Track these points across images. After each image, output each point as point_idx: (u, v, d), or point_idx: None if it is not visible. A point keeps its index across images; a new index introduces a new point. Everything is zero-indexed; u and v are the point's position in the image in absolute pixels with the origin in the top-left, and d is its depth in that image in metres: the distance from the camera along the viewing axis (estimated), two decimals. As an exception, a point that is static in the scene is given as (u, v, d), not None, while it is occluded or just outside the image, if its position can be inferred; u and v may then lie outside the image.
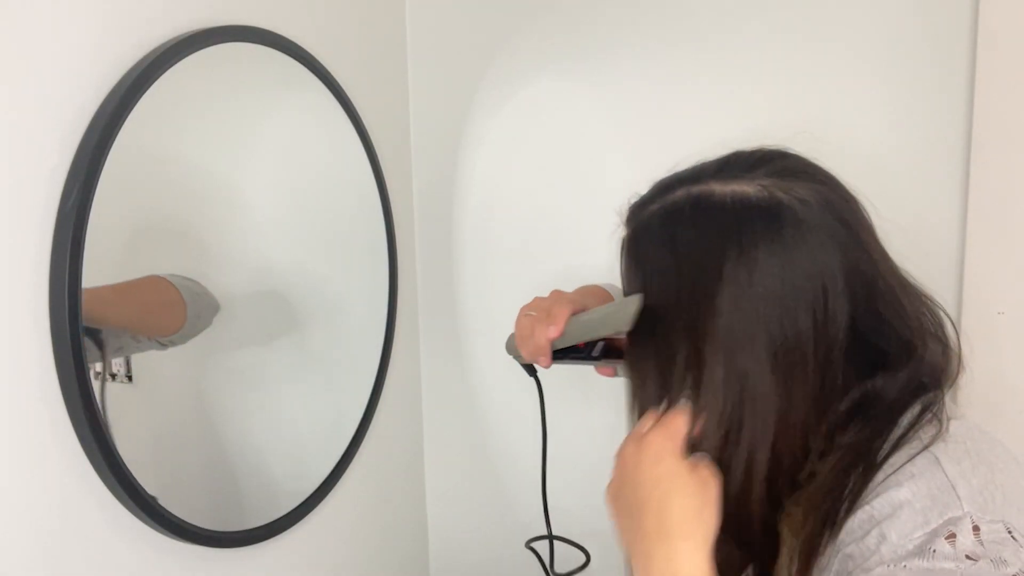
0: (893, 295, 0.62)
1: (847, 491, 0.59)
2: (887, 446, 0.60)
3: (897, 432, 0.60)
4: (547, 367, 0.79)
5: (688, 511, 0.58)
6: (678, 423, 0.61)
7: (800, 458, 0.62)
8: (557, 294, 0.82)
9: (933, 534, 0.54)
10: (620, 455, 0.64)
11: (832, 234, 0.59)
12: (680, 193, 0.63)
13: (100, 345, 0.76)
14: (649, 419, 0.64)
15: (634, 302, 0.65)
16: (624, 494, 0.62)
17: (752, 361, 0.59)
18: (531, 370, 0.89)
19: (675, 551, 0.57)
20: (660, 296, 0.63)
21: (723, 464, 0.62)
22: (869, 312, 0.61)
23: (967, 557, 0.52)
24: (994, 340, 0.98)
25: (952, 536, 0.53)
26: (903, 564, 0.54)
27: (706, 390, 0.61)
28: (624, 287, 0.69)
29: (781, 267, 0.58)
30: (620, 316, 0.66)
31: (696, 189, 0.62)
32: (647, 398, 0.65)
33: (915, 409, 0.62)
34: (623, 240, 0.67)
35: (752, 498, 0.62)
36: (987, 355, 0.99)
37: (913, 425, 0.61)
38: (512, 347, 0.86)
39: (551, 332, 0.75)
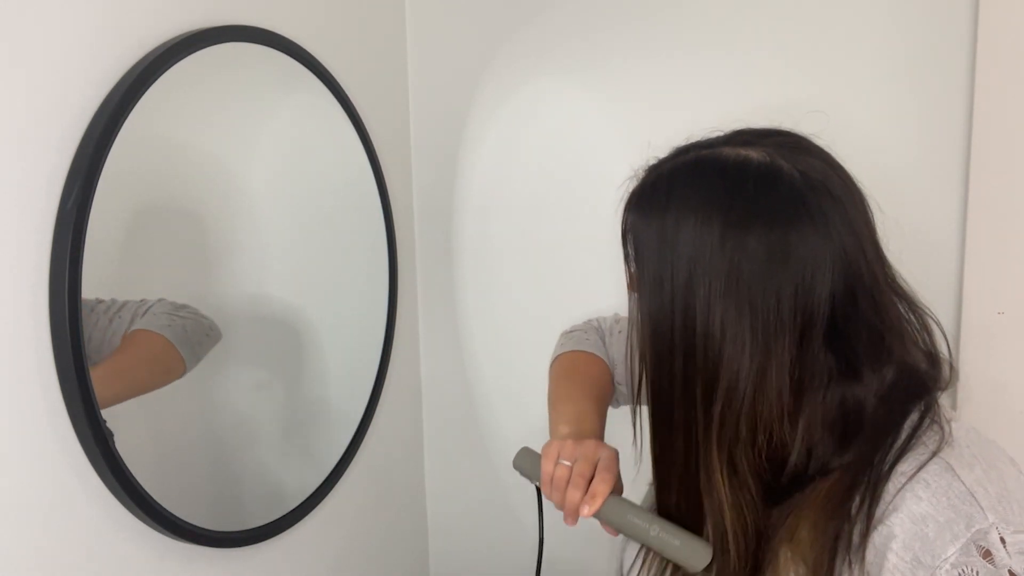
0: (877, 286, 0.62)
1: (856, 509, 0.60)
2: (891, 456, 0.60)
3: (900, 440, 0.61)
4: (570, 526, 0.75)
5: None
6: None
7: (774, 435, 0.62)
8: (593, 449, 0.75)
9: (966, 551, 0.55)
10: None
11: (824, 210, 0.60)
12: (691, 155, 0.66)
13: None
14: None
15: (706, 554, 0.65)
16: None
17: (733, 312, 0.60)
18: (539, 488, 0.80)
19: None
20: (654, 245, 0.64)
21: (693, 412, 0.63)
22: (847, 297, 0.61)
23: (1011, 573, 0.54)
24: (994, 340, 0.98)
25: (988, 554, 0.54)
26: None
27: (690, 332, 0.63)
28: (623, 236, 0.69)
29: (768, 229, 0.59)
30: (685, 557, 0.66)
31: (705, 152, 0.65)
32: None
33: (914, 416, 0.62)
34: (631, 193, 0.68)
35: (724, 450, 0.63)
36: (987, 355, 0.99)
37: (915, 432, 0.61)
38: (525, 467, 0.80)
39: (584, 510, 0.71)
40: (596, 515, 0.72)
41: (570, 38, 1.19)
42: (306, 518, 1.04)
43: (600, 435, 0.84)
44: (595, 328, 1.02)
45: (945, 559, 0.55)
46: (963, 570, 0.54)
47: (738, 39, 1.09)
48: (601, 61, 1.17)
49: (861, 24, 1.03)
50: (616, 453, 0.76)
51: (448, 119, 1.29)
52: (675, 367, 0.64)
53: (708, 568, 0.66)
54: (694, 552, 0.66)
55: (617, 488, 0.74)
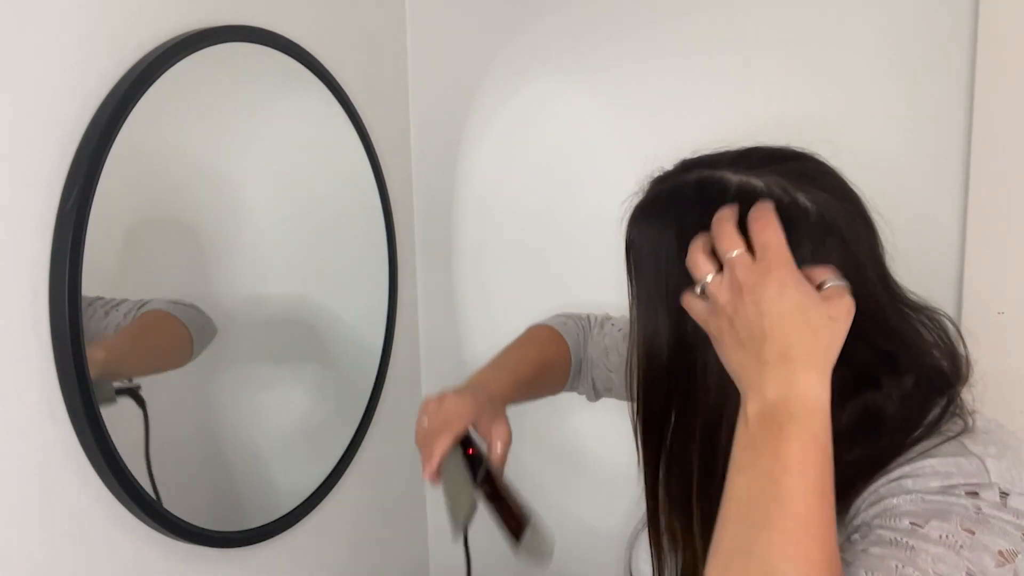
0: (881, 311, 0.61)
1: (858, 486, 0.59)
2: (909, 442, 0.60)
3: (920, 430, 0.60)
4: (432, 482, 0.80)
5: (816, 346, 0.54)
6: (783, 250, 0.56)
7: None
8: (451, 407, 0.82)
9: (950, 491, 0.54)
10: (734, 282, 0.57)
11: (823, 244, 0.59)
12: (694, 174, 0.64)
13: (142, 403, 0.77)
14: (738, 245, 0.57)
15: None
16: (740, 324, 0.56)
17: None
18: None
19: (796, 377, 0.54)
20: (650, 265, 0.64)
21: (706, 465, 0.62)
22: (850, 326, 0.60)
23: (978, 508, 0.53)
24: (994, 340, 0.98)
25: (975, 494, 0.53)
26: (921, 496, 0.54)
27: (687, 373, 0.62)
28: (626, 252, 0.68)
29: None
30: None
31: (708, 173, 0.63)
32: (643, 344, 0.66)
33: (935, 412, 0.61)
34: (634, 207, 0.68)
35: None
36: (987, 355, 0.99)
37: (937, 423, 0.60)
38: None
39: (424, 471, 0.79)
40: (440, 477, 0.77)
41: (570, 39, 1.19)
42: (306, 518, 1.04)
43: (498, 402, 0.86)
44: (584, 317, 1.03)
45: (927, 488, 0.55)
46: (944, 489, 0.54)
47: (739, 40, 1.09)
48: (601, 62, 1.17)
49: (861, 24, 1.03)
50: (474, 411, 0.81)
51: (448, 119, 1.29)
52: (665, 396, 0.64)
53: None
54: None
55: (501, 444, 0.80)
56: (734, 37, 1.09)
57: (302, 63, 1.00)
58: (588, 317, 1.03)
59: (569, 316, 1.03)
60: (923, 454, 0.58)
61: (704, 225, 0.59)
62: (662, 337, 0.63)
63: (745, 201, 0.59)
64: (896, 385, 0.62)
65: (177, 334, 0.82)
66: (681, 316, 0.61)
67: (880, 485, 0.58)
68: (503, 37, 1.23)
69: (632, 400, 0.68)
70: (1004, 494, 0.53)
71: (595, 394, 1.00)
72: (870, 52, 1.03)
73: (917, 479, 0.56)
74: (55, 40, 0.69)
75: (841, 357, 0.58)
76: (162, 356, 0.81)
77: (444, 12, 1.27)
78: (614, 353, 0.96)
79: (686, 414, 0.64)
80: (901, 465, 0.58)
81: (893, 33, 1.02)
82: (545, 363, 0.95)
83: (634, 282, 0.66)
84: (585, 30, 1.17)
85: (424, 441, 0.80)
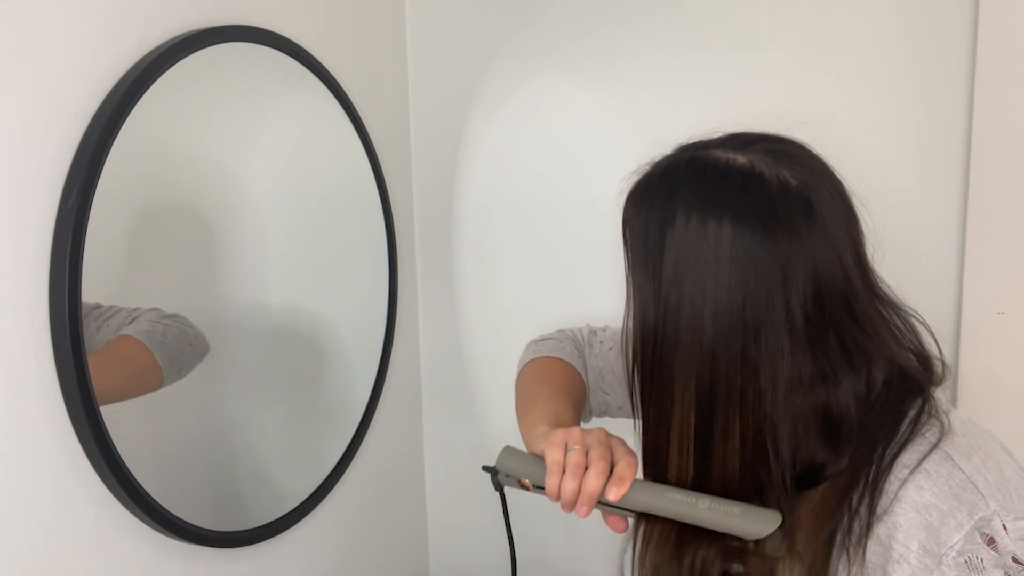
0: (853, 293, 0.63)
1: (856, 503, 0.60)
2: (891, 450, 0.61)
3: (899, 435, 0.62)
4: (582, 517, 0.68)
5: None
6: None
7: (747, 430, 0.63)
8: (604, 434, 0.72)
9: (970, 538, 0.56)
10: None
11: (795, 219, 0.61)
12: (687, 154, 0.68)
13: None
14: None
15: (774, 518, 0.61)
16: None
17: (688, 306, 0.63)
18: (498, 483, 0.77)
19: None
20: (641, 238, 0.67)
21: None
22: (815, 304, 0.61)
23: (1014, 560, 0.56)
24: (994, 340, 0.98)
25: (992, 542, 0.56)
26: (953, 560, 0.56)
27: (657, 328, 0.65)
28: (623, 227, 0.71)
29: (737, 232, 0.61)
30: (749, 525, 0.61)
31: (700, 152, 0.67)
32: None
33: (911, 413, 0.63)
34: (631, 186, 0.70)
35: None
36: (988, 355, 0.99)
37: (914, 426, 0.62)
38: (514, 466, 0.74)
39: (611, 494, 0.66)
40: (621, 501, 0.66)
41: (570, 38, 1.19)
42: (306, 518, 1.04)
43: None
44: (569, 338, 0.99)
45: (951, 546, 0.56)
46: (969, 557, 0.56)
47: (738, 40, 1.09)
48: (601, 61, 1.17)
49: (861, 24, 1.03)
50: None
51: (448, 119, 1.29)
52: (655, 354, 0.66)
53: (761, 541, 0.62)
54: (760, 517, 0.61)
55: None
56: (734, 36, 1.09)
57: (302, 63, 1.00)
58: (575, 337, 1.00)
59: (558, 339, 0.98)
60: (913, 472, 0.60)
61: (693, 197, 0.63)
62: (652, 308, 0.66)
63: (725, 174, 0.63)
64: (858, 383, 0.63)
65: (143, 363, 0.80)
66: (670, 287, 0.64)
67: (888, 533, 0.59)
68: (502, 37, 1.23)
69: (628, 373, 0.70)
70: (1004, 527, 0.56)
71: (588, 416, 0.97)
72: (870, 51, 1.03)
73: (929, 530, 0.58)
74: (55, 40, 0.69)
75: (803, 343, 0.61)
76: (128, 386, 0.80)
77: (444, 12, 1.27)
78: (609, 374, 0.94)
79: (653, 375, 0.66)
80: (898, 492, 0.59)
81: (893, 32, 1.02)
82: (579, 399, 0.91)
83: (629, 255, 0.69)
84: (584, 29, 1.17)
85: (625, 458, 0.69)
